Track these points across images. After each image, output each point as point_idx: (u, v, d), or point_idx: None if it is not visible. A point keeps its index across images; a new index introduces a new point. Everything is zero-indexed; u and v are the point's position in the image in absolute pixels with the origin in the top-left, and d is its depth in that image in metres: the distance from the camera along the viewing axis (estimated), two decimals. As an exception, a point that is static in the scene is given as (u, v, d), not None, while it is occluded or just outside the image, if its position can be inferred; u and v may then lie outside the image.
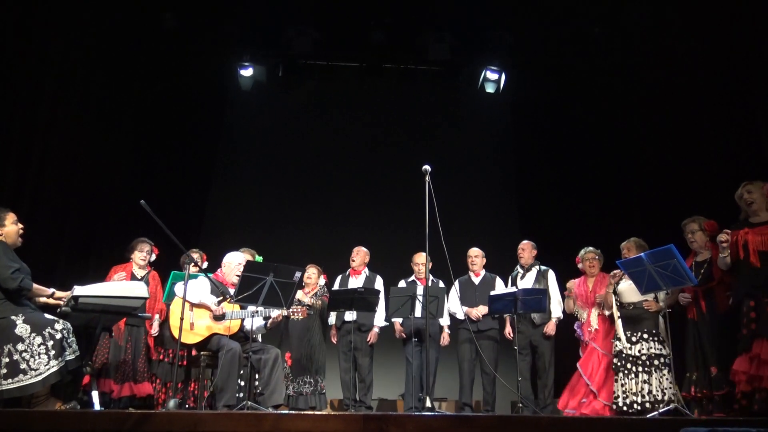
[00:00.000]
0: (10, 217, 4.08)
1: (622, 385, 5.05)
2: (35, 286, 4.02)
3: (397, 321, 6.09)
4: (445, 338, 6.13)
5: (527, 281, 6.05)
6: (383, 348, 6.30)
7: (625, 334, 5.16)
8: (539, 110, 8.63)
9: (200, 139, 8.46)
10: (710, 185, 5.83)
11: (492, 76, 8.24)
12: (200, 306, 4.67)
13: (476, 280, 6.19)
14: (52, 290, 4.15)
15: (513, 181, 9.07)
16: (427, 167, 4.47)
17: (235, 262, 4.93)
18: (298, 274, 4.41)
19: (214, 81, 8.37)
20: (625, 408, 4.96)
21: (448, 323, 6.15)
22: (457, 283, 5.95)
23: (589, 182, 7.97)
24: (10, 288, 3.83)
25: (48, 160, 6.24)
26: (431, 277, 5.90)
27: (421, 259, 6.15)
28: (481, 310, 5.94)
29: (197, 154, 8.42)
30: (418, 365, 5.93)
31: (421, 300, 5.43)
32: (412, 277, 6.22)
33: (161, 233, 4.25)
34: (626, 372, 5.05)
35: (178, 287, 4.67)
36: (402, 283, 6.13)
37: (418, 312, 5.48)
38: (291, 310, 4.80)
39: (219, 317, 4.65)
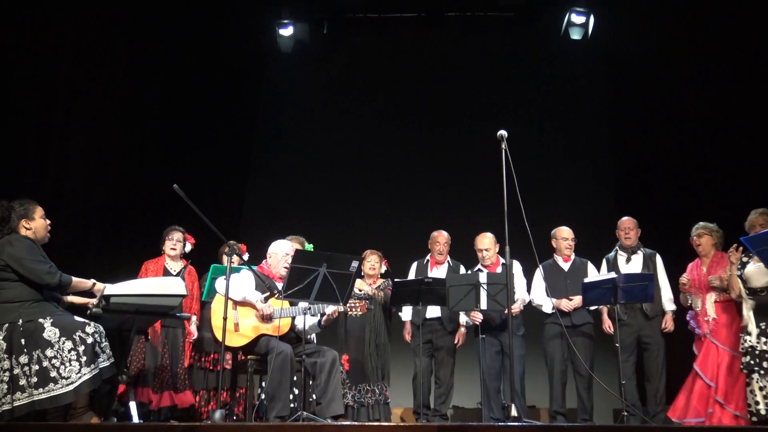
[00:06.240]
0: (39, 211, 4.22)
1: (761, 389, 4.83)
2: (74, 279, 4.15)
3: (476, 315, 5.77)
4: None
5: (634, 266, 5.88)
6: (460, 349, 6.25)
7: (759, 326, 4.94)
8: (637, 59, 8.30)
9: (236, 112, 8.59)
10: None
11: (578, 19, 8.07)
12: (245, 304, 4.75)
13: (565, 266, 6.04)
14: (92, 281, 4.26)
15: (607, 147, 8.89)
16: (503, 132, 4.44)
17: (282, 252, 4.99)
18: (355, 264, 4.43)
19: (249, 45, 8.46)
20: None
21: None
22: (540, 268, 5.82)
23: (702, 145, 7.60)
24: (51, 283, 3.97)
25: (70, 144, 6.46)
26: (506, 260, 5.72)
27: (484, 243, 6.00)
28: (575, 301, 5.80)
29: (234, 131, 8.56)
30: (497, 369, 5.87)
31: (487, 288, 5.33)
32: (478, 266, 6.08)
33: (198, 222, 4.34)
34: (764, 372, 4.82)
35: (219, 283, 4.75)
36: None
37: (483, 304, 5.38)
38: (348, 305, 4.82)
39: (266, 316, 4.72)
